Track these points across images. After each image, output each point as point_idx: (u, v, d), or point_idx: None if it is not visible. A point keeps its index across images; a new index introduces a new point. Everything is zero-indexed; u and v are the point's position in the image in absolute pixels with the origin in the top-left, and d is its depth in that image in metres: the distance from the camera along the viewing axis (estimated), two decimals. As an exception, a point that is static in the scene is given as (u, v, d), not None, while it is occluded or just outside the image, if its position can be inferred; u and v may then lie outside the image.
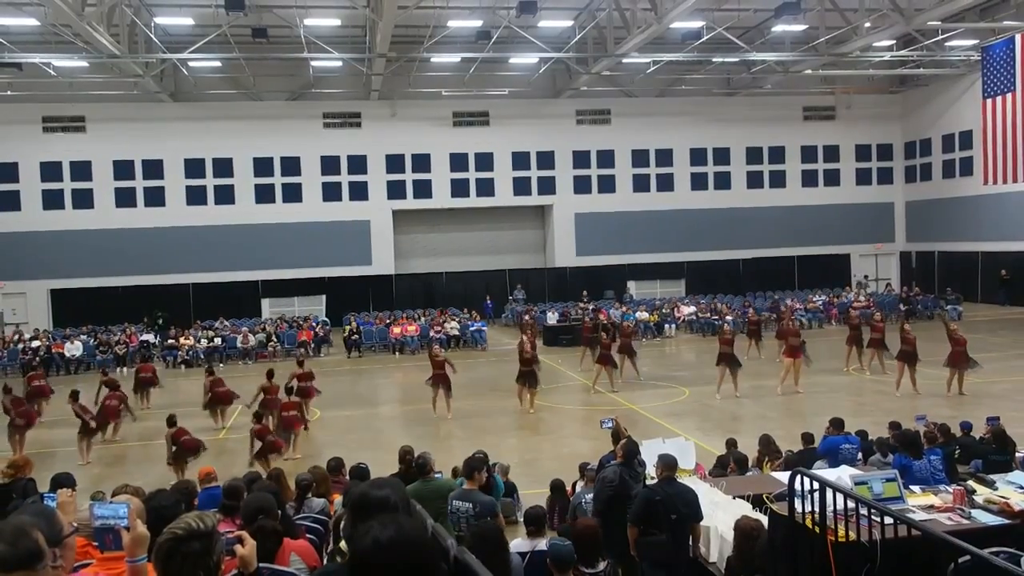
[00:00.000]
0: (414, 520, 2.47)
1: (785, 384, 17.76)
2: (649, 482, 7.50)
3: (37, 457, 14.34)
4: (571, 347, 24.75)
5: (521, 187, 34.61)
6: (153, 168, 32.00)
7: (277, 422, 14.08)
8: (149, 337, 27.58)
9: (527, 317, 22.93)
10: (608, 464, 8.26)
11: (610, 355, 18.85)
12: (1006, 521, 5.81)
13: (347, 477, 8.67)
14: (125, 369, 24.81)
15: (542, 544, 6.21)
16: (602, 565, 5.85)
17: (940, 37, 28.29)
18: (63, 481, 7.02)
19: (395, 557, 2.18)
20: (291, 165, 32.93)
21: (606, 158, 35.11)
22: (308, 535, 5.99)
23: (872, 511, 5.04)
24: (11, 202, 30.95)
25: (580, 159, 34.93)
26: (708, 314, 29.45)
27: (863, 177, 37.19)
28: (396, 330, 27.19)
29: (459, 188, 34.10)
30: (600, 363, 18.92)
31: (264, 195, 32.78)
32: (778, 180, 36.48)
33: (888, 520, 4.88)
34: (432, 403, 16.64)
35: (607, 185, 35.18)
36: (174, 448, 12.47)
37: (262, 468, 11.42)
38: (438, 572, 2.34)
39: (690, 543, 7.04)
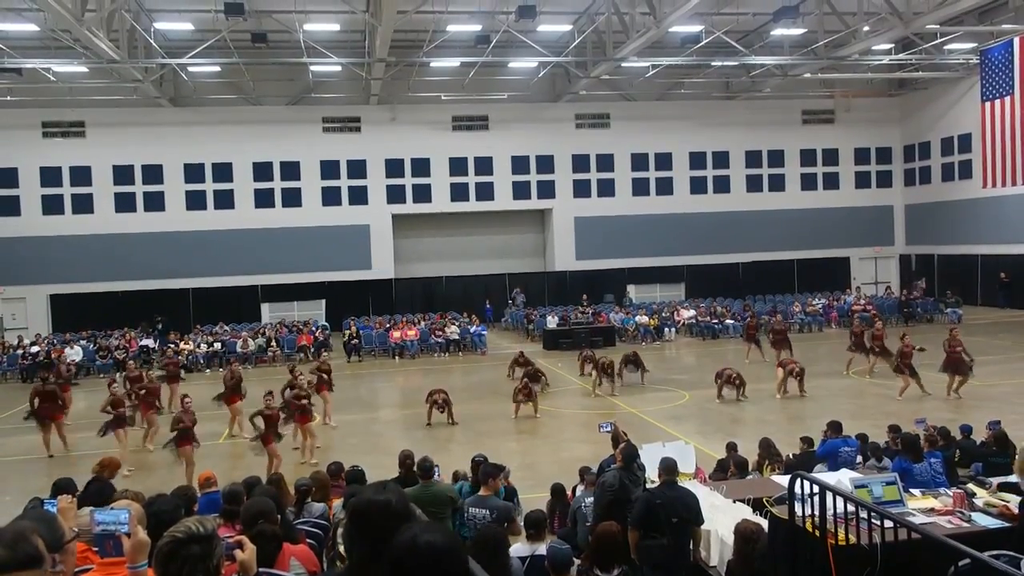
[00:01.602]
0: (450, 530, 2.47)
1: (783, 390, 17.77)
2: (650, 486, 7.50)
3: (47, 461, 14.38)
4: (571, 351, 24.75)
5: (521, 191, 34.64)
6: (153, 173, 32.01)
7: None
8: (149, 342, 27.58)
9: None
10: (608, 468, 8.26)
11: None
12: (1006, 524, 5.81)
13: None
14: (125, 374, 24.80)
15: (542, 548, 6.20)
16: (616, 571, 5.84)
17: (939, 40, 28.35)
18: (64, 487, 7.00)
19: (431, 562, 2.16)
20: (290, 169, 32.95)
21: (605, 162, 35.14)
22: (308, 540, 5.99)
23: (872, 514, 5.04)
24: (11, 207, 30.96)
25: (579, 163, 34.97)
26: (708, 318, 29.45)
27: (862, 180, 37.23)
28: (396, 334, 27.19)
29: (459, 192, 34.12)
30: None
31: (264, 199, 32.80)
32: (777, 183, 36.51)
33: (888, 523, 4.87)
34: (428, 415, 16.57)
35: (606, 189, 35.21)
36: None
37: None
38: None
39: (691, 547, 7.03)
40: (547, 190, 34.86)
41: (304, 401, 14.09)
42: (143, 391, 16.19)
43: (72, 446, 15.30)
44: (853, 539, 5.14)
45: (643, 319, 29.04)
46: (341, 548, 4.36)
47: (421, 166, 33.81)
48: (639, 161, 35.38)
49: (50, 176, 31.31)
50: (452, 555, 2.20)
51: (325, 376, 16.81)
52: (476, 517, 6.82)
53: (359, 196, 33.46)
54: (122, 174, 31.83)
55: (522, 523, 6.67)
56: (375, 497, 2.96)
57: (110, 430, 14.15)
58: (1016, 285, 31.15)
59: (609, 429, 9.64)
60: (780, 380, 17.85)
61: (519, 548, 6.32)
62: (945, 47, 29.06)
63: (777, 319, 23.40)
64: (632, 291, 34.98)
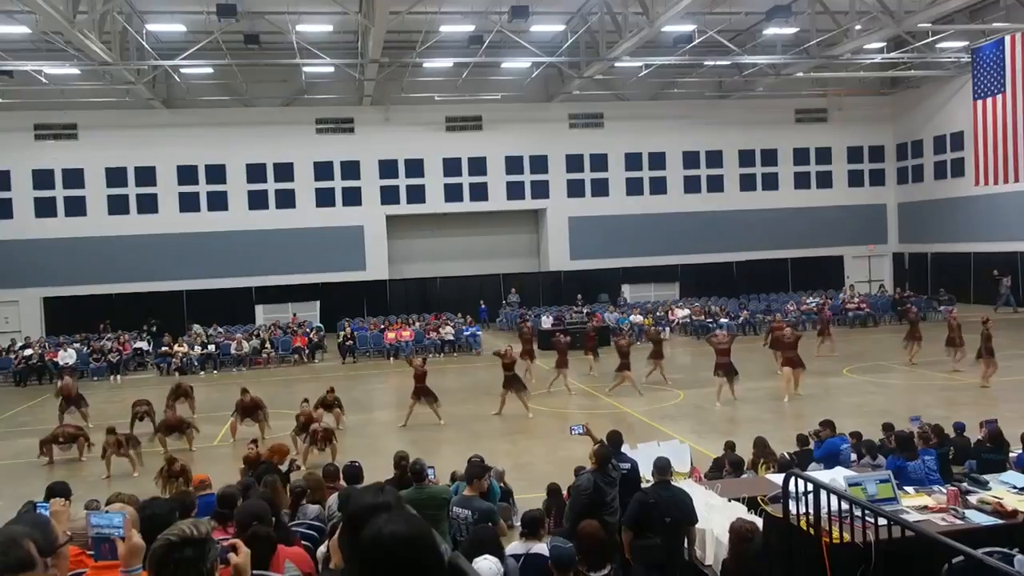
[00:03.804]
0: (418, 518, 2.46)
1: (789, 393, 17.50)
2: (644, 485, 7.51)
3: (34, 465, 14.32)
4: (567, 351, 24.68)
5: (514, 191, 34.64)
6: (146, 175, 31.93)
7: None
8: (142, 344, 27.51)
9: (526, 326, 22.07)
10: (582, 472, 8.26)
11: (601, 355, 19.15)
12: (999, 521, 5.83)
13: (342, 482, 8.65)
14: (119, 377, 24.77)
15: (537, 547, 6.20)
16: (606, 570, 5.84)
17: (930, 39, 28.42)
18: (59, 490, 6.98)
19: (398, 551, 2.16)
20: (284, 171, 32.88)
21: (599, 162, 35.16)
22: (303, 542, 5.98)
23: (867, 512, 5.05)
24: (3, 210, 30.84)
25: (573, 163, 34.98)
26: (702, 317, 29.51)
27: (855, 179, 37.33)
28: (390, 335, 27.18)
29: (452, 193, 34.10)
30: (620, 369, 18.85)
31: (257, 201, 32.74)
32: (771, 182, 36.58)
33: (883, 521, 4.89)
34: (408, 413, 16.56)
35: (600, 189, 35.23)
36: None
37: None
38: (440, 571, 2.32)
39: (685, 546, 7.05)
40: (541, 190, 34.87)
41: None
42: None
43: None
44: (848, 537, 5.16)
45: (637, 318, 29.07)
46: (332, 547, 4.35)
47: (415, 167, 33.78)
48: (633, 161, 35.41)
49: (42, 178, 31.20)
50: (418, 543, 2.19)
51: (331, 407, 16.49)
52: (459, 517, 6.82)
53: (353, 197, 33.42)
54: (115, 176, 31.74)
55: (518, 523, 6.67)
56: (372, 499, 2.96)
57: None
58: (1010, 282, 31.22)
59: (580, 431, 9.55)
60: (785, 382, 17.59)
61: (515, 546, 6.32)
62: (937, 45, 29.14)
63: (778, 324, 22.11)
64: (627, 291, 35.03)
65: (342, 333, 27.43)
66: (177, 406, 16.40)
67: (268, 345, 26.76)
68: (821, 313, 25.87)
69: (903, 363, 20.78)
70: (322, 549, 5.56)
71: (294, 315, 31.59)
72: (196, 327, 28.48)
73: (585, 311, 29.60)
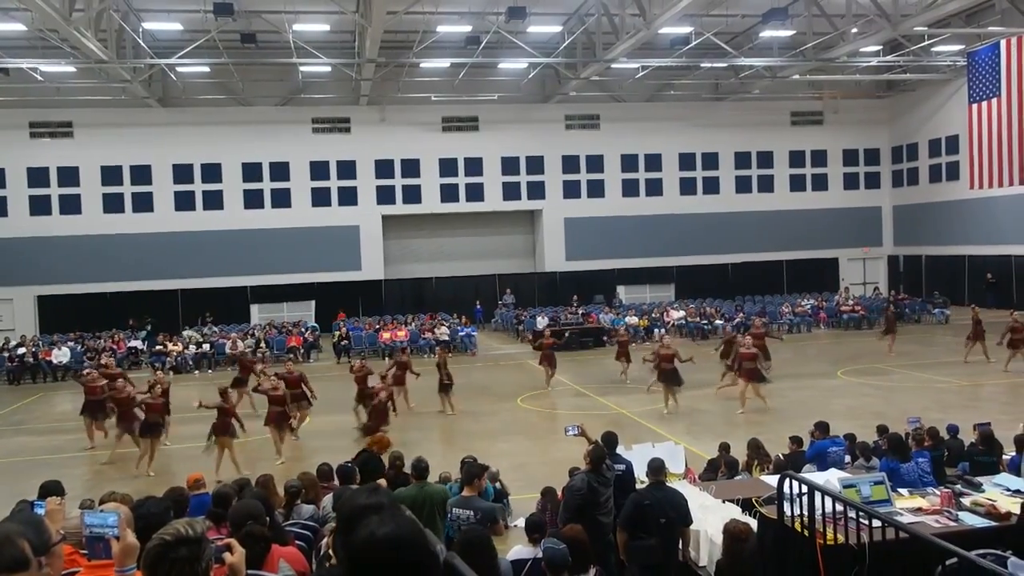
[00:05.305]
0: (410, 518, 2.45)
1: (746, 404, 16.59)
2: (639, 486, 7.52)
3: (27, 463, 14.28)
4: (560, 351, 24.67)
5: (510, 192, 34.64)
6: (141, 173, 31.85)
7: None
8: (137, 343, 27.45)
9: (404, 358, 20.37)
10: (576, 473, 8.26)
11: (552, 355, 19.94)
12: (992, 523, 5.85)
13: (336, 482, 8.64)
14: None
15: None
16: (592, 572, 5.84)
17: (926, 43, 28.52)
18: (52, 489, 6.97)
19: (391, 553, 2.16)
20: (280, 170, 32.84)
21: (595, 163, 35.19)
22: (297, 541, 5.97)
23: (860, 514, 5.07)
24: (-2, 208, 30.78)
25: (569, 164, 35.00)
26: (697, 318, 29.54)
27: (851, 182, 37.40)
28: (385, 335, 27.17)
29: (449, 193, 34.09)
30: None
31: (253, 200, 32.68)
32: (766, 185, 36.64)
33: (876, 523, 4.90)
34: (356, 416, 16.42)
35: (596, 190, 35.26)
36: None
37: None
38: (435, 571, 2.32)
39: (679, 547, 7.05)
40: (537, 191, 34.88)
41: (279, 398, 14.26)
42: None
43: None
44: (841, 538, 5.17)
45: (633, 320, 29.09)
46: (330, 546, 4.34)
47: (411, 167, 33.77)
48: (629, 162, 35.45)
49: (37, 177, 31.11)
50: (412, 544, 2.18)
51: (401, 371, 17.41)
52: (460, 518, 6.82)
53: (349, 197, 33.38)
54: (110, 175, 31.66)
55: (522, 525, 6.67)
56: (367, 502, 2.95)
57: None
58: (1003, 285, 31.35)
59: (575, 432, 9.52)
60: (740, 393, 16.70)
61: (521, 550, 6.30)
62: (932, 49, 29.24)
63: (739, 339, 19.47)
64: (622, 292, 35.04)
65: (337, 333, 27.41)
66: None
67: (263, 344, 26.73)
68: (886, 311, 25.65)
69: (963, 361, 20.80)
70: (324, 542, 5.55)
71: (361, 321, 31.18)
72: (188, 331, 28.43)
73: (580, 312, 29.62)
